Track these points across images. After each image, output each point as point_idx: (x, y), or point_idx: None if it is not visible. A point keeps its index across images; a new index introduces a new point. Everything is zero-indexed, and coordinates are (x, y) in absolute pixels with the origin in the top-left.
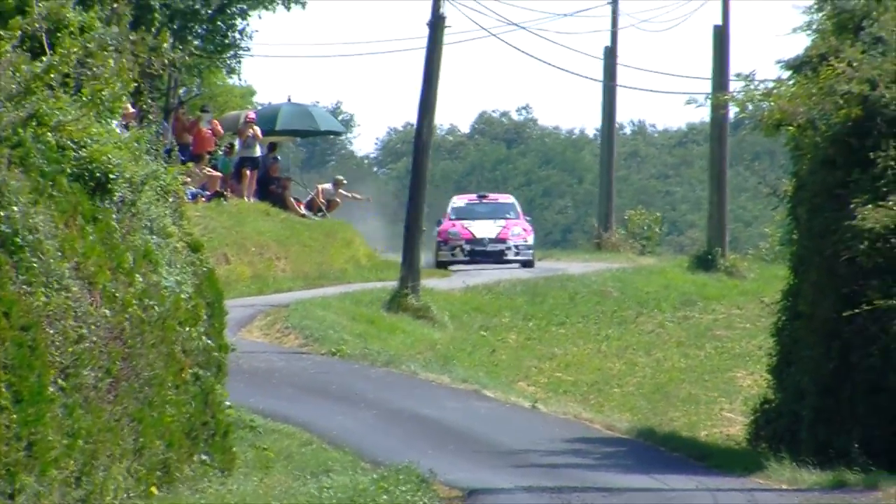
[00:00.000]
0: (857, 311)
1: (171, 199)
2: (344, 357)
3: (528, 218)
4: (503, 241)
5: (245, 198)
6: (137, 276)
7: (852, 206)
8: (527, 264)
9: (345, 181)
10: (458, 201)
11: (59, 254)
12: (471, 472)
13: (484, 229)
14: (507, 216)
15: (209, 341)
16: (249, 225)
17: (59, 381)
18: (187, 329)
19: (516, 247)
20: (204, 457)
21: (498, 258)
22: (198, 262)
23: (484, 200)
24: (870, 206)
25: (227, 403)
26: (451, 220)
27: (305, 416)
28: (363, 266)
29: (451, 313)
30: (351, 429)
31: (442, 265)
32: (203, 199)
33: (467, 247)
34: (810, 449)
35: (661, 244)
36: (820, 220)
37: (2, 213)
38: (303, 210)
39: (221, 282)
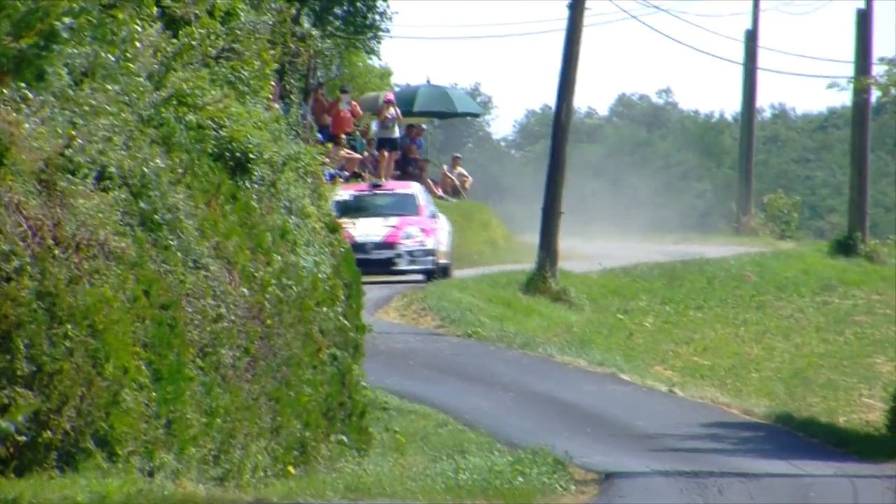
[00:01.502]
0: None
1: (310, 180)
2: (480, 339)
3: (434, 212)
4: (391, 245)
5: (383, 178)
6: (276, 255)
7: None
8: (430, 275)
9: (461, 158)
10: (343, 193)
11: (199, 233)
12: (607, 456)
13: (369, 230)
14: (404, 212)
15: (346, 322)
16: None
17: (198, 359)
18: (325, 309)
19: (410, 253)
20: (341, 437)
21: (385, 268)
22: (335, 242)
23: (378, 191)
24: None
25: (364, 384)
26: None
27: (441, 398)
28: (500, 248)
29: (589, 296)
30: (486, 410)
31: None
32: (341, 180)
33: None
34: None
35: (801, 229)
36: None
37: (146, 193)
38: (440, 192)
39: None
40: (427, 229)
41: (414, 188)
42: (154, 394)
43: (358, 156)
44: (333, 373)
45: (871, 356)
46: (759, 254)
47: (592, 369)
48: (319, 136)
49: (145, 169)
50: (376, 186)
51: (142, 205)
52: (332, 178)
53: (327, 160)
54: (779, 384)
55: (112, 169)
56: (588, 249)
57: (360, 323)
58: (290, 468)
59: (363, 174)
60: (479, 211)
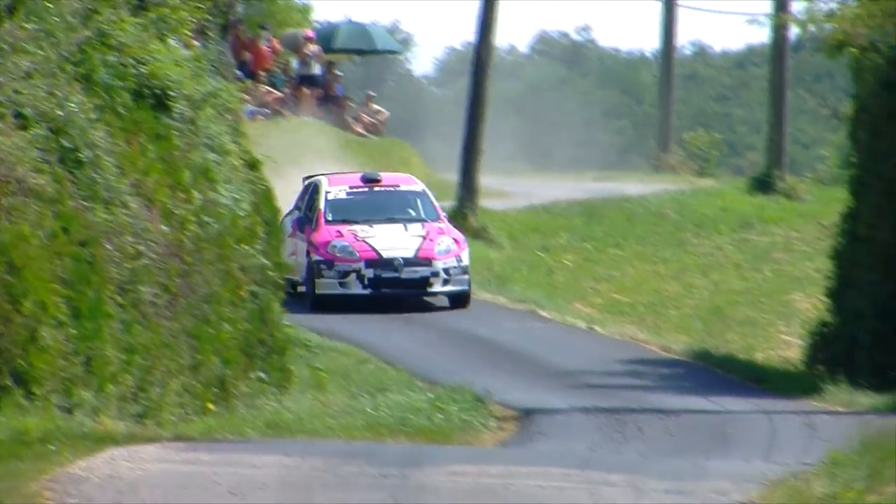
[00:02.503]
0: None
1: (229, 117)
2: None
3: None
4: (426, 262)
5: (303, 116)
6: (195, 193)
7: None
8: (459, 300)
9: (374, 96)
10: (333, 187)
11: (119, 170)
12: (526, 393)
13: (394, 241)
14: (421, 216)
15: (266, 259)
16: (307, 143)
17: (117, 296)
18: (244, 247)
19: (446, 272)
20: (261, 374)
21: (419, 290)
22: (255, 180)
23: (376, 187)
24: None
25: (285, 321)
26: (328, 222)
27: (362, 336)
28: None
29: (509, 234)
30: (407, 348)
31: (322, 303)
32: (261, 117)
33: (369, 273)
34: (867, 372)
35: (720, 166)
36: (881, 142)
37: (66, 131)
38: (360, 129)
39: (278, 200)
40: (459, 240)
41: (418, 183)
42: (73, 331)
43: (278, 93)
44: (253, 310)
45: (789, 293)
46: (678, 191)
47: (513, 306)
48: (239, 73)
49: (66, 107)
50: (371, 181)
51: (62, 142)
52: (253, 115)
53: (247, 97)
54: (697, 321)
55: (28, 110)
56: (508, 187)
57: (279, 260)
58: (210, 405)
59: (283, 111)
60: (398, 149)
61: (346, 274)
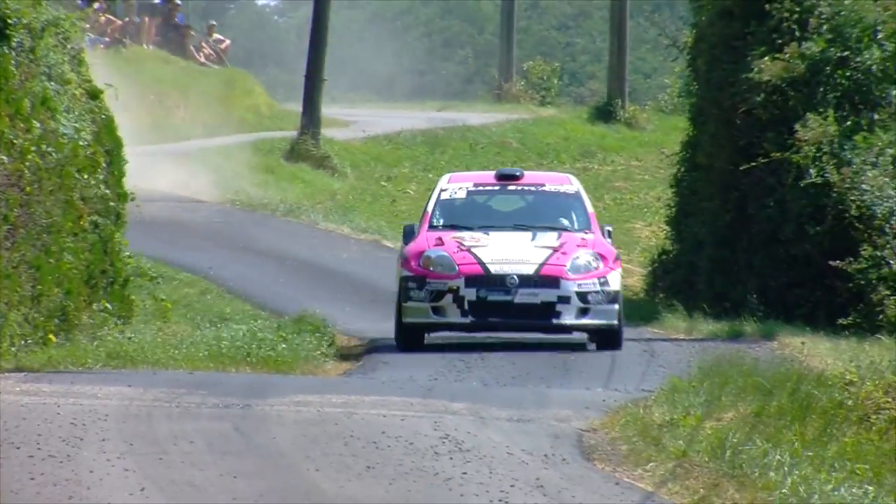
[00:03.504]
0: (753, 163)
1: (70, 46)
2: (244, 207)
3: (608, 229)
4: (552, 282)
5: (144, 45)
6: (35, 122)
7: (749, 58)
8: (604, 339)
9: (216, 25)
10: (453, 185)
11: None
12: (370, 322)
13: (507, 253)
14: (563, 224)
15: (108, 190)
16: (149, 73)
17: None
18: (86, 177)
19: (583, 297)
20: (103, 304)
21: (540, 319)
22: (97, 109)
23: (511, 185)
24: (766, 58)
25: (127, 252)
26: (432, 228)
27: (205, 265)
28: (264, 115)
29: (352, 163)
30: (251, 278)
31: (412, 336)
32: (102, 46)
33: (470, 294)
34: (707, 299)
35: (561, 95)
36: (718, 72)
37: None
38: (202, 58)
39: (120, 130)
40: (606, 255)
41: (574, 183)
42: None
43: (118, 20)
44: (95, 241)
45: (630, 221)
46: (520, 120)
47: (356, 236)
48: (79, 1)
49: None
50: (508, 178)
51: None
52: (93, 44)
53: (87, 26)
54: None
55: None
56: (352, 117)
57: (122, 191)
58: (52, 336)
59: (125, 40)
60: (241, 78)
61: (439, 295)
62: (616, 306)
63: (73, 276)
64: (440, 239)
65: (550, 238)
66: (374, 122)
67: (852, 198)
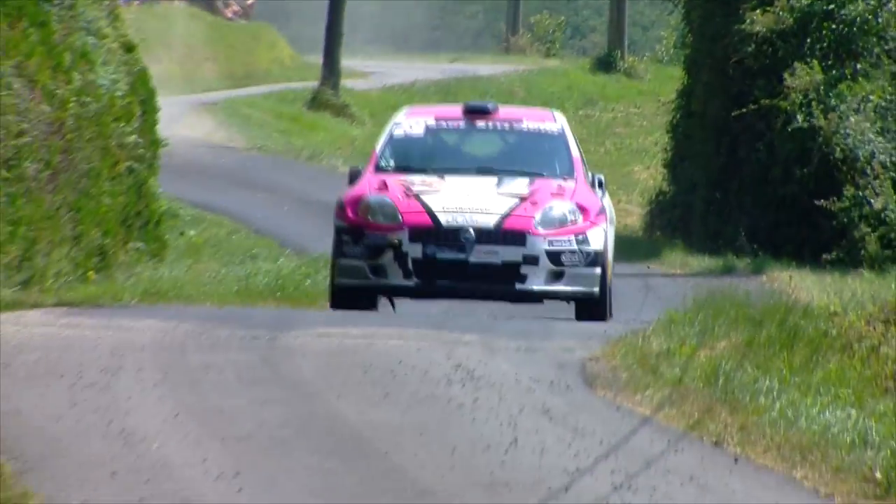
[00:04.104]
0: (744, 109)
1: (106, 3)
2: (269, 152)
3: (599, 177)
4: (516, 237)
5: (175, 1)
6: (75, 74)
7: (741, 11)
8: (585, 308)
9: None
10: (410, 120)
11: (2, 52)
12: None
13: (465, 202)
14: (539, 168)
15: (141, 138)
16: (179, 27)
17: (2, 171)
18: (122, 125)
19: (554, 257)
20: (138, 244)
21: (502, 284)
22: (131, 62)
23: (481, 122)
24: (757, 11)
25: (160, 195)
26: (379, 171)
27: (233, 207)
28: (287, 67)
29: (370, 112)
30: (275, 219)
31: (347, 300)
32: (136, 2)
33: (415, 251)
34: (701, 237)
35: (565, 48)
36: (712, 24)
37: None
38: (229, 14)
39: (153, 81)
40: (588, 208)
41: (559, 120)
42: None
43: None
44: (130, 184)
45: (629, 164)
46: (526, 71)
47: None
48: None
49: None
50: (478, 113)
51: None
52: (128, 1)
53: None
54: None
55: None
56: (369, 69)
57: (155, 138)
58: (91, 274)
59: None
60: (265, 32)
61: (377, 251)
62: (597, 270)
63: (110, 218)
64: (384, 182)
65: (520, 184)
66: (391, 74)
67: (836, 142)
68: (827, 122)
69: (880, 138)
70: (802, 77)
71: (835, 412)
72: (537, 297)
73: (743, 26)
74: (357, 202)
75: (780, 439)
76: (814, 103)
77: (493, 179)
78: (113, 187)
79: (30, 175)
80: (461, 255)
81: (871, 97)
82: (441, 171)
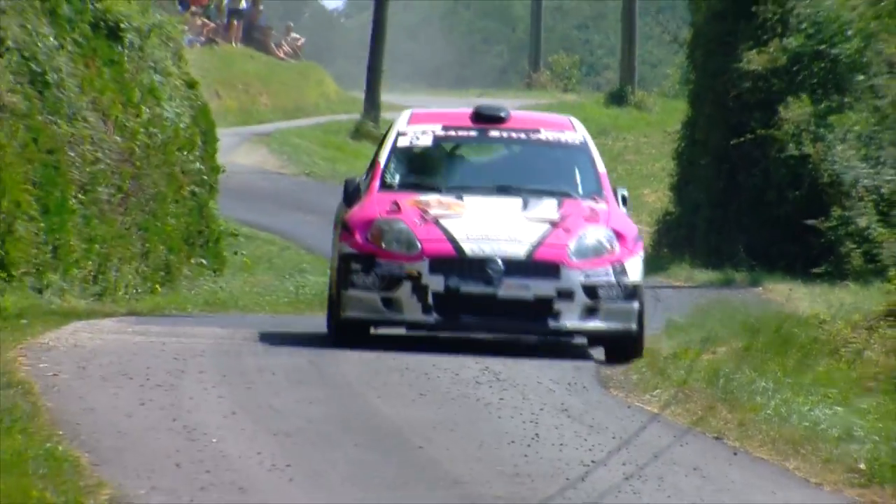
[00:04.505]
0: (742, 139)
1: (171, 45)
2: (316, 178)
3: (622, 193)
4: (551, 269)
5: (233, 44)
6: (144, 108)
7: (739, 51)
8: (618, 347)
9: (293, 26)
10: (415, 128)
11: (79, 89)
12: None
13: (491, 229)
14: (565, 189)
15: (202, 165)
16: (237, 66)
17: (79, 195)
18: (185, 153)
19: (590, 290)
20: (200, 260)
21: (531, 321)
22: (193, 97)
23: (493, 130)
24: (753, 51)
25: (218, 216)
26: (385, 188)
27: (283, 227)
28: (333, 101)
29: None
30: (321, 237)
31: (353, 334)
32: (198, 45)
33: (437, 283)
34: (704, 253)
35: (581, 84)
36: (713, 62)
37: (36, 57)
38: (281, 54)
39: (213, 114)
40: (625, 234)
41: (579, 129)
42: (42, 224)
43: (212, 24)
44: (193, 206)
45: (639, 188)
46: (546, 105)
47: None
48: (179, 7)
49: (35, 37)
50: (490, 120)
51: (31, 67)
52: (191, 43)
53: (185, 28)
54: None
55: (9, 40)
56: (405, 102)
57: (214, 165)
58: (158, 286)
59: (216, 39)
60: (313, 70)
61: (393, 282)
62: (635, 304)
63: (174, 237)
64: (396, 203)
65: (549, 207)
66: (425, 106)
67: (824, 168)
68: (816, 151)
69: (864, 164)
70: (794, 110)
71: (824, 410)
72: (570, 335)
73: (741, 65)
74: (367, 226)
75: (774, 434)
76: (804, 133)
77: (518, 201)
78: (177, 209)
79: (103, 198)
80: (489, 289)
81: (856, 127)
82: (457, 190)
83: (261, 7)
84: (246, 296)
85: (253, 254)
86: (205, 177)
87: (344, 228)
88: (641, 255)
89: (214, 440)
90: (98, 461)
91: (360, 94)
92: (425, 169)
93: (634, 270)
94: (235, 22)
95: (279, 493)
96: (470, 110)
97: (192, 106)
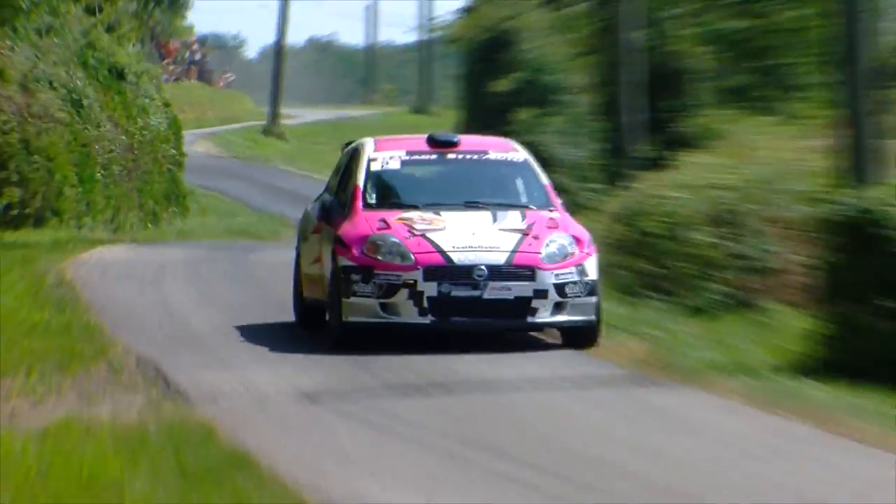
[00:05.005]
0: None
1: (154, 81)
2: (241, 159)
3: (561, 199)
4: (528, 272)
5: (191, 80)
6: (139, 119)
7: (489, 78)
8: (579, 337)
9: (228, 69)
10: (381, 153)
11: (100, 108)
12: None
13: (472, 239)
14: (522, 201)
15: (175, 152)
16: (193, 94)
17: (101, 172)
18: (164, 145)
19: (560, 289)
20: (174, 209)
21: (513, 318)
22: (168, 112)
23: (450, 154)
24: (499, 79)
25: (185, 182)
26: (366, 206)
27: (223, 188)
28: (251, 113)
29: (295, 136)
30: (247, 195)
31: (351, 334)
32: (170, 81)
33: (430, 289)
34: None
35: (397, 100)
36: (475, 85)
37: (74, 91)
38: (221, 85)
39: (180, 122)
40: (581, 238)
41: (519, 149)
42: (79, 189)
43: (178, 68)
44: (168, 177)
45: None
46: (378, 113)
47: (299, 171)
48: (159, 58)
49: (74, 78)
50: (443, 145)
51: (73, 96)
52: (166, 80)
53: (162, 71)
54: None
55: (56, 81)
56: (293, 113)
57: (181, 152)
58: (149, 225)
59: (181, 78)
60: (239, 96)
61: (391, 290)
62: (595, 299)
63: (158, 195)
64: (384, 221)
65: (515, 219)
66: (303, 116)
67: (542, 150)
68: (538, 141)
69: (563, 147)
70: (522, 115)
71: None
72: (541, 328)
73: (490, 87)
74: (362, 241)
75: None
76: (531, 129)
77: (487, 214)
78: (159, 179)
79: (115, 173)
80: (476, 293)
81: (558, 125)
82: (432, 207)
83: (207, 58)
84: (201, 229)
85: (205, 205)
86: (176, 159)
87: (339, 244)
88: (596, 255)
89: (185, 314)
90: (113, 326)
91: (267, 109)
92: (399, 189)
93: (592, 269)
94: (193, 67)
95: (225, 342)
96: (424, 137)
97: (168, 117)
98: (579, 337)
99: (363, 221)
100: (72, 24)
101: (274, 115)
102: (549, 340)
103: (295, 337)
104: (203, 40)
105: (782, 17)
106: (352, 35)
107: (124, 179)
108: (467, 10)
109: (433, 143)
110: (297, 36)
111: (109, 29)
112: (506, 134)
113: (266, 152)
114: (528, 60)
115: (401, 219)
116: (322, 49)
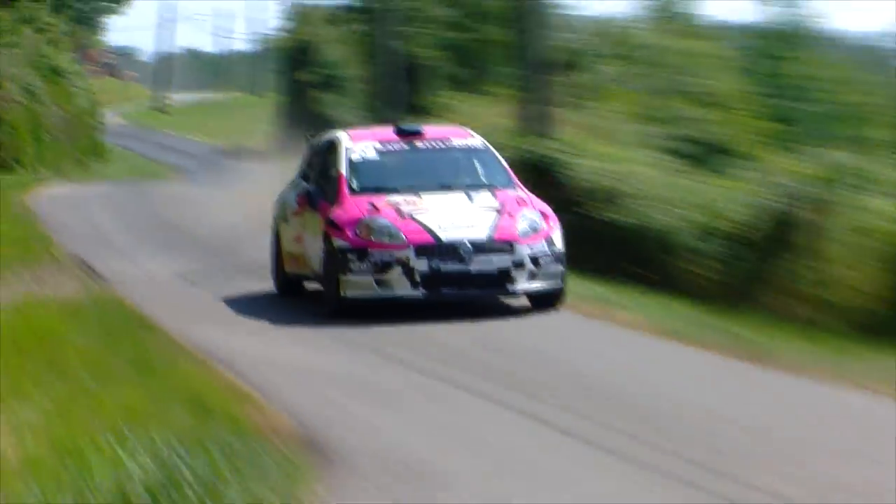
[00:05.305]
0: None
1: (82, 76)
2: (139, 126)
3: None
4: (506, 247)
5: (105, 77)
6: (75, 100)
7: (297, 72)
8: (547, 301)
9: (133, 71)
10: (357, 144)
11: (50, 98)
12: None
13: (456, 219)
14: (485, 181)
15: (96, 122)
16: (107, 84)
17: (48, 136)
18: (89, 118)
19: (534, 260)
20: (97, 160)
21: (496, 287)
22: (92, 97)
23: (418, 142)
24: (304, 70)
25: (104, 141)
26: (352, 192)
27: (128, 145)
28: (144, 97)
29: (178, 111)
30: (142, 148)
31: (348, 307)
32: (92, 77)
33: (422, 265)
34: None
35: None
36: (289, 78)
37: (31, 87)
38: (126, 80)
39: (97, 103)
40: (547, 213)
41: (475, 136)
42: (35, 147)
43: (98, 70)
44: (93, 139)
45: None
46: (233, 98)
47: (175, 134)
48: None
49: (33, 79)
50: (410, 134)
51: (29, 87)
52: (88, 76)
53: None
54: None
55: (16, 81)
56: (175, 97)
57: (101, 121)
58: (80, 170)
59: (99, 76)
60: (137, 86)
61: (385, 267)
62: (561, 267)
63: (87, 151)
64: (373, 204)
65: (487, 198)
66: (181, 99)
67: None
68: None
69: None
70: (320, 95)
71: None
72: (518, 295)
73: (298, 77)
74: (355, 224)
75: None
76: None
77: (462, 195)
78: (87, 140)
79: (57, 137)
80: (462, 266)
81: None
82: (410, 190)
83: (117, 62)
84: (115, 173)
85: (117, 156)
86: (97, 127)
87: (332, 226)
88: (560, 228)
89: (104, 227)
90: (57, 235)
91: (156, 94)
92: (378, 175)
93: (559, 241)
94: (107, 68)
95: (131, 244)
96: (391, 128)
97: (90, 100)
98: (546, 302)
99: (353, 206)
100: (28, 40)
101: (160, 98)
102: (517, 305)
103: (182, 239)
104: (114, 50)
105: (488, 32)
106: (217, 44)
107: (64, 141)
108: (283, 29)
109: (401, 133)
110: (176, 45)
111: (50, 42)
112: (312, 109)
113: (154, 123)
114: (323, 60)
115: (387, 202)
116: (195, 56)
